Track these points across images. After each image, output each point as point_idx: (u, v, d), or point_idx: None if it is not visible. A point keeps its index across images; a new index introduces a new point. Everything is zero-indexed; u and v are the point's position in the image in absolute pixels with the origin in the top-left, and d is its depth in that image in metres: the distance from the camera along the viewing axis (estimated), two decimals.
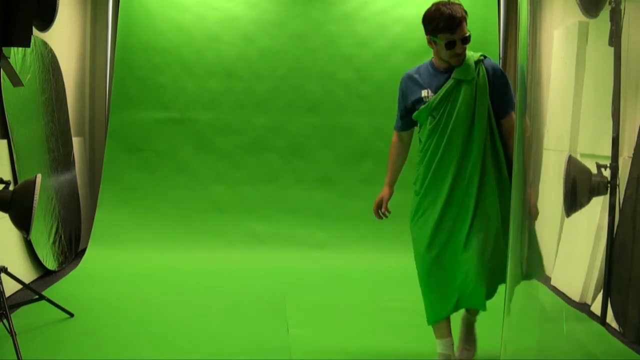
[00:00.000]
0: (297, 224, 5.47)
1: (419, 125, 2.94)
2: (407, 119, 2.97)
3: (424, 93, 2.85)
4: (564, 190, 3.48)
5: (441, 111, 2.80)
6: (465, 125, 2.78)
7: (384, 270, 4.86)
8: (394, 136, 3.09)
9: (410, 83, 2.92)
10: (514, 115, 2.75)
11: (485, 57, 2.86)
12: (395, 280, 4.52)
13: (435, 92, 2.82)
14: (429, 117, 2.84)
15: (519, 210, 2.43)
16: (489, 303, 2.77)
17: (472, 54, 2.83)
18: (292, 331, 3.51)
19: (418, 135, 2.96)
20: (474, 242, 2.73)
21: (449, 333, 2.89)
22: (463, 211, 2.78)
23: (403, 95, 2.95)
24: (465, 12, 2.74)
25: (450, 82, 2.80)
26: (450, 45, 2.72)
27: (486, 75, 2.80)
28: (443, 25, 2.68)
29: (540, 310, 3.45)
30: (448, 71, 2.82)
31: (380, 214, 3.10)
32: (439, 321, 2.86)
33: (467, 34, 2.74)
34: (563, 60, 4.77)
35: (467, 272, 2.73)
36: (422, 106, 2.84)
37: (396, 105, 2.99)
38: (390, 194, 3.10)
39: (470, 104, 2.78)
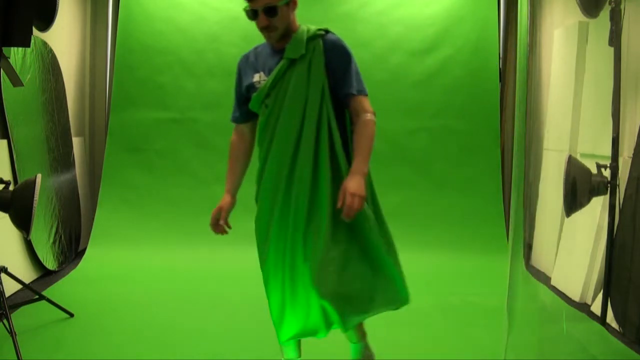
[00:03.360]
0: None
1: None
2: (246, 107, 2.47)
3: (255, 77, 2.38)
4: (564, 190, 3.49)
5: (273, 99, 2.33)
6: (297, 115, 2.29)
7: None
8: (234, 132, 2.56)
9: (245, 65, 2.46)
10: (359, 101, 2.37)
11: (327, 32, 2.40)
12: None
13: (268, 75, 2.36)
14: (262, 107, 2.38)
15: (519, 209, 2.43)
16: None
17: (307, 29, 2.39)
18: None
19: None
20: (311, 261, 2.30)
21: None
22: (297, 225, 2.31)
23: (239, 79, 2.48)
24: None
25: (282, 62, 2.32)
26: (251, 15, 2.30)
27: (323, 52, 2.33)
28: None
29: (540, 310, 3.46)
30: (283, 50, 2.36)
31: (220, 228, 2.63)
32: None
33: (273, 4, 2.25)
34: (563, 60, 4.77)
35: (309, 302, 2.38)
36: (254, 94, 2.38)
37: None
38: (232, 203, 2.61)
39: (302, 87, 2.29)
